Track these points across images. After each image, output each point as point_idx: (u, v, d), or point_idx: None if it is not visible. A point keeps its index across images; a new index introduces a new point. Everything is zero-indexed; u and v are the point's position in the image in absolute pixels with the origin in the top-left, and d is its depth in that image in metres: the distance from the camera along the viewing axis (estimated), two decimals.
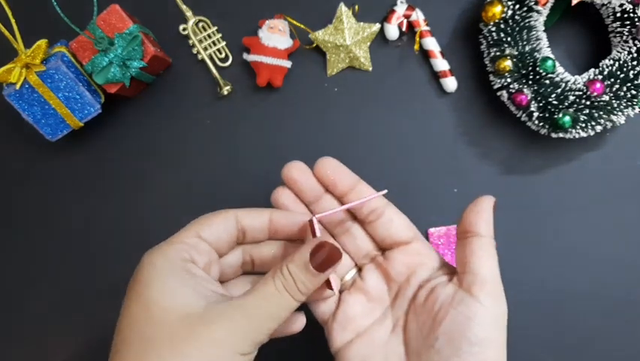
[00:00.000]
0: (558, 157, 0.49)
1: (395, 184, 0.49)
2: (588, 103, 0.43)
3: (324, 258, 0.28)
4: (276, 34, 0.46)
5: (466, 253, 0.31)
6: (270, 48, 0.46)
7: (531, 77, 0.44)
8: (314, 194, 0.34)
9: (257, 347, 0.27)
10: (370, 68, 0.49)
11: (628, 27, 0.44)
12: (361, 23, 0.48)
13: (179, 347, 0.25)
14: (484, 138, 0.49)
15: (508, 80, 0.45)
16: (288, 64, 0.48)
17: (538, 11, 0.43)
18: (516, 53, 0.44)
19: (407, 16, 0.48)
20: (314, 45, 0.49)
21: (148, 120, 0.50)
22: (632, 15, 0.43)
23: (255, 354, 0.28)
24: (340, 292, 0.34)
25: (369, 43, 0.49)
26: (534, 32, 0.44)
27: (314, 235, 0.30)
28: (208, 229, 0.31)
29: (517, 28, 0.43)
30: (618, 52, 0.45)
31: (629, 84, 0.43)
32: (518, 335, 0.49)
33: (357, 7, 0.48)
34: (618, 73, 0.44)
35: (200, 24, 0.50)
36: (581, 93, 0.43)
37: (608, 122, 0.44)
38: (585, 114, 0.44)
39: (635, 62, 0.43)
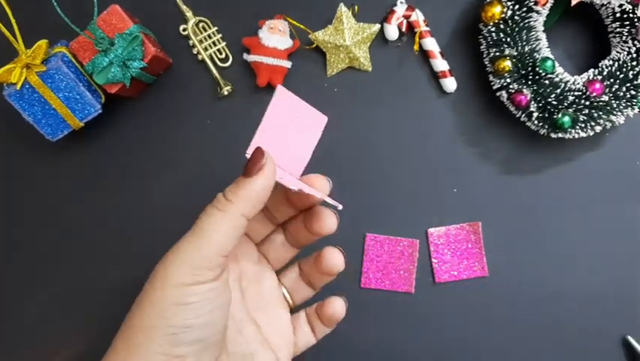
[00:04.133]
0: (557, 157, 0.49)
1: (395, 184, 0.49)
2: (587, 103, 0.43)
3: (250, 159, 0.27)
4: (276, 35, 0.47)
5: None
6: (270, 48, 0.46)
7: (530, 77, 0.44)
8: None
9: (213, 263, 0.27)
10: (370, 69, 0.49)
11: (627, 27, 0.44)
12: (361, 24, 0.48)
13: (146, 295, 0.27)
14: (483, 138, 0.49)
15: (508, 80, 0.45)
16: (288, 64, 0.48)
17: (537, 11, 0.43)
18: (515, 53, 0.44)
19: (407, 17, 0.48)
20: (314, 45, 0.49)
21: (148, 120, 0.50)
22: (631, 15, 0.43)
23: (217, 271, 0.28)
24: None
25: (368, 44, 0.49)
26: (533, 32, 0.44)
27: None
28: None
29: (517, 29, 0.43)
30: (618, 52, 0.45)
31: (628, 84, 0.43)
32: (517, 333, 0.49)
33: (356, 7, 0.49)
34: (618, 73, 0.44)
35: (201, 24, 0.50)
36: (580, 93, 0.43)
37: (607, 123, 0.44)
38: (584, 114, 0.44)
39: (634, 63, 0.43)
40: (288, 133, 0.31)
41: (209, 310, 0.27)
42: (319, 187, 0.31)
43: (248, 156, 0.28)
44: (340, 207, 0.30)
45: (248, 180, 0.27)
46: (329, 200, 0.30)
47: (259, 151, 0.28)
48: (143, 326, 0.27)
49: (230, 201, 0.27)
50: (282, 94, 0.30)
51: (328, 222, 0.32)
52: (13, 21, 0.42)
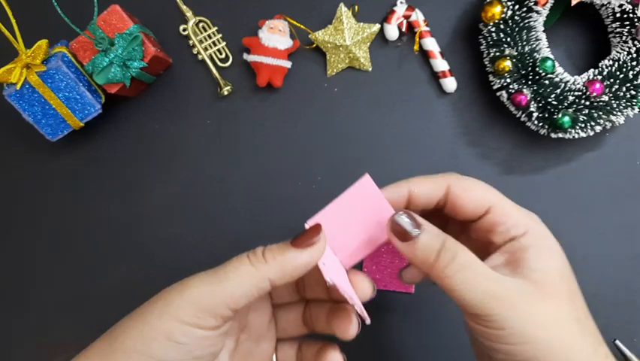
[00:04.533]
0: (557, 157, 0.49)
1: None
2: (587, 103, 0.43)
3: (305, 232, 0.27)
4: (276, 35, 0.47)
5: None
6: (270, 48, 0.46)
7: (531, 77, 0.44)
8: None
9: (218, 312, 0.26)
10: (370, 69, 0.49)
11: (627, 27, 0.44)
12: (361, 24, 0.48)
13: (142, 315, 0.27)
14: (483, 138, 0.49)
15: (508, 80, 0.45)
16: (288, 64, 0.48)
17: (537, 11, 0.43)
18: (516, 53, 0.44)
19: (407, 17, 0.48)
20: (314, 45, 0.49)
21: (148, 120, 0.50)
22: (631, 15, 0.43)
23: (219, 321, 0.27)
24: None
25: (369, 44, 0.49)
26: (534, 33, 0.44)
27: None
28: None
29: (517, 29, 0.43)
30: (618, 52, 0.45)
31: (628, 84, 0.43)
32: None
33: (357, 7, 0.49)
34: (617, 73, 0.44)
35: (201, 24, 0.50)
36: (580, 93, 0.43)
37: (607, 123, 0.44)
38: (584, 114, 0.44)
39: (634, 63, 0.43)
40: (357, 221, 0.30)
41: (195, 356, 0.27)
42: (360, 287, 0.30)
43: (307, 226, 0.28)
44: (368, 321, 0.29)
45: (292, 250, 0.27)
46: (359, 309, 0.29)
47: (317, 228, 0.27)
48: (126, 345, 0.26)
49: (266, 261, 0.27)
50: (366, 183, 0.29)
51: (350, 332, 0.31)
52: (13, 21, 0.42)
